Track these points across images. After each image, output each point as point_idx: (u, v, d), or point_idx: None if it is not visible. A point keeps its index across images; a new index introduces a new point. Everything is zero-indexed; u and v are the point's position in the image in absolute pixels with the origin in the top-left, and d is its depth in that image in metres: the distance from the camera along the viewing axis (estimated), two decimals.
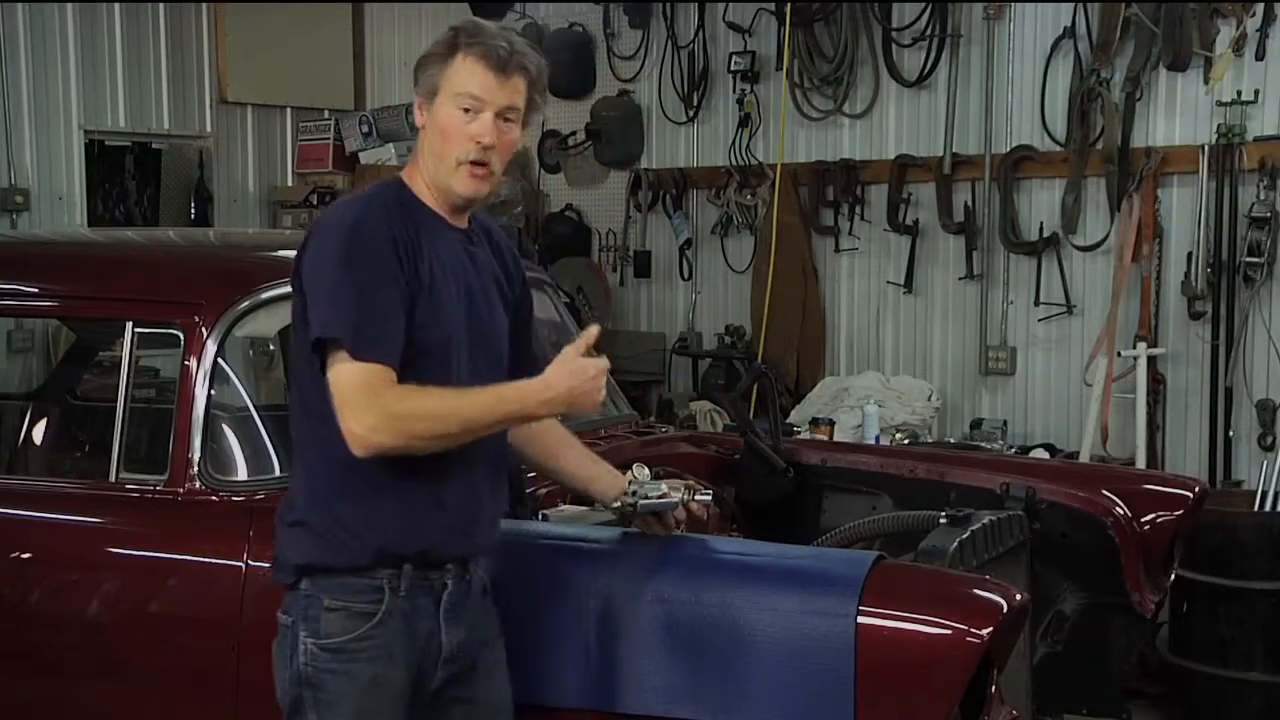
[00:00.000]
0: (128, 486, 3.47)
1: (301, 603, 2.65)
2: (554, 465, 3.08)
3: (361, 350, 2.52)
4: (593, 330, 2.63)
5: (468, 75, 2.63)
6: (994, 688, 2.95)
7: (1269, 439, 6.26)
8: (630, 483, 2.97)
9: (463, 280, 2.73)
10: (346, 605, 2.62)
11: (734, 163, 7.99)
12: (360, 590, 2.62)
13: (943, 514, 3.45)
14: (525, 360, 2.89)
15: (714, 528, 4.07)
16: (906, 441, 6.48)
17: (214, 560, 3.33)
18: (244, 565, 3.24)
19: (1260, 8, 6.24)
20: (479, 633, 2.79)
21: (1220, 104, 6.35)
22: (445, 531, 2.69)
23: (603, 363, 2.61)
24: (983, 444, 6.59)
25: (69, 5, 8.20)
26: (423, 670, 2.70)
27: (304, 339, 2.63)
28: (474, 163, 2.65)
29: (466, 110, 2.64)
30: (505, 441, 2.85)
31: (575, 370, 2.58)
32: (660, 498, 2.96)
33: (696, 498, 2.99)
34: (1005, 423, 6.97)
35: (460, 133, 2.65)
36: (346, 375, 2.52)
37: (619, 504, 2.97)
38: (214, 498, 3.38)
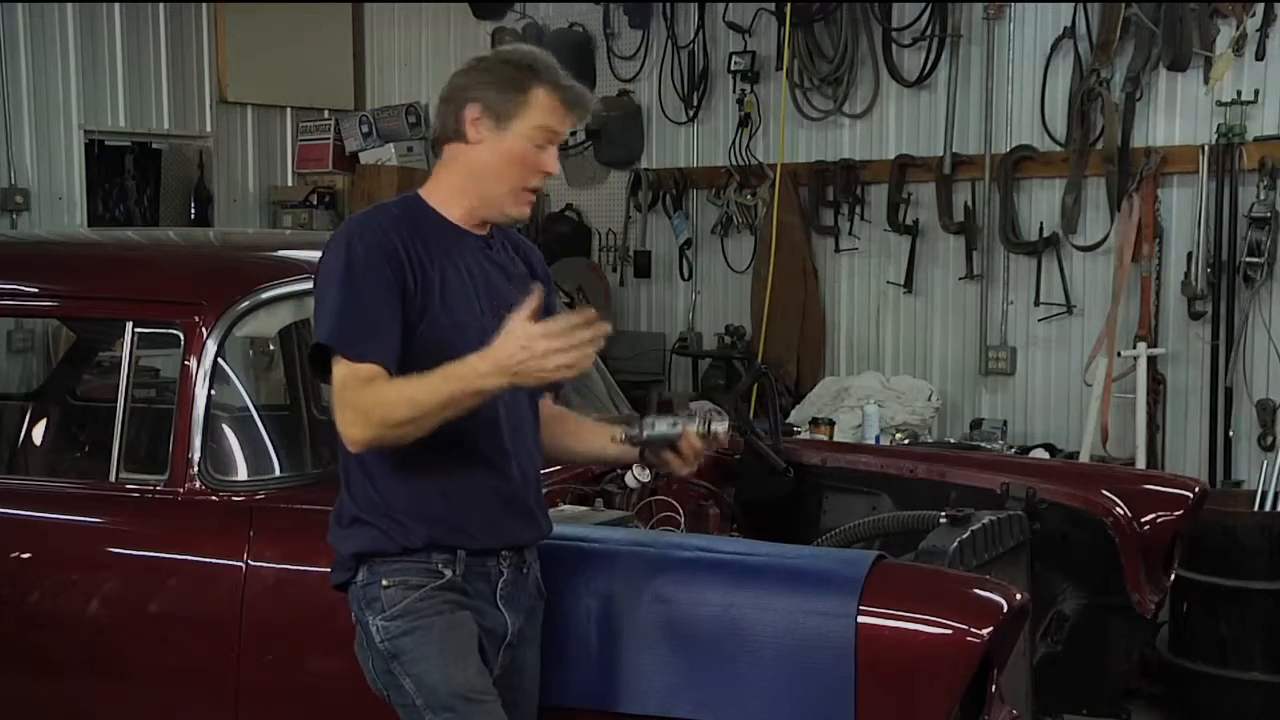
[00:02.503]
0: (128, 486, 3.47)
1: (360, 593, 2.74)
2: (568, 444, 3.08)
3: (349, 352, 2.61)
4: (538, 293, 2.56)
5: (549, 111, 2.73)
6: (994, 688, 2.95)
7: (1269, 439, 6.26)
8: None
9: (484, 285, 2.79)
10: (405, 579, 2.70)
11: (734, 163, 7.98)
12: (415, 570, 2.71)
13: (943, 514, 3.46)
14: None
15: (714, 528, 4.07)
16: (906, 441, 6.48)
17: (214, 560, 3.33)
18: (244, 565, 3.24)
19: (1260, 8, 6.24)
20: (530, 629, 2.85)
21: (1220, 104, 6.35)
22: (497, 519, 2.76)
23: (544, 326, 2.48)
24: (983, 444, 6.59)
25: (69, 5, 8.19)
26: (484, 650, 2.75)
27: None
28: (535, 189, 2.78)
29: (539, 145, 2.73)
30: (539, 433, 2.91)
31: (514, 333, 2.49)
32: (670, 428, 2.83)
33: (713, 427, 2.84)
34: (1005, 423, 6.96)
35: (531, 163, 2.74)
36: (337, 378, 2.62)
37: (622, 434, 2.88)
38: (214, 498, 3.38)
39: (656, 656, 2.83)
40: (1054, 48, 6.84)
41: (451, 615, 2.71)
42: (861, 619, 2.71)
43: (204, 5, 8.93)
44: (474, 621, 2.74)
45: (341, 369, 2.61)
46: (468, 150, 2.76)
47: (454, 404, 2.55)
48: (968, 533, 3.29)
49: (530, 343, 2.47)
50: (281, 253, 4.12)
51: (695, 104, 8.20)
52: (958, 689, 2.71)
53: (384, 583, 2.70)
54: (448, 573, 2.72)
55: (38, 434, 4.66)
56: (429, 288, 2.69)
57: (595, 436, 3.04)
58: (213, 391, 3.43)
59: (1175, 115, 6.55)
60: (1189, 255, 6.45)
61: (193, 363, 3.43)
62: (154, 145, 8.96)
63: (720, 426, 2.86)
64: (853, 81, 7.52)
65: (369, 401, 2.58)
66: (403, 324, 2.65)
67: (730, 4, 7.96)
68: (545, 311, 2.91)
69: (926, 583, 2.93)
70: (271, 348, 4.43)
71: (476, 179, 2.76)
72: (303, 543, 3.27)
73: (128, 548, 3.52)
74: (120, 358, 3.57)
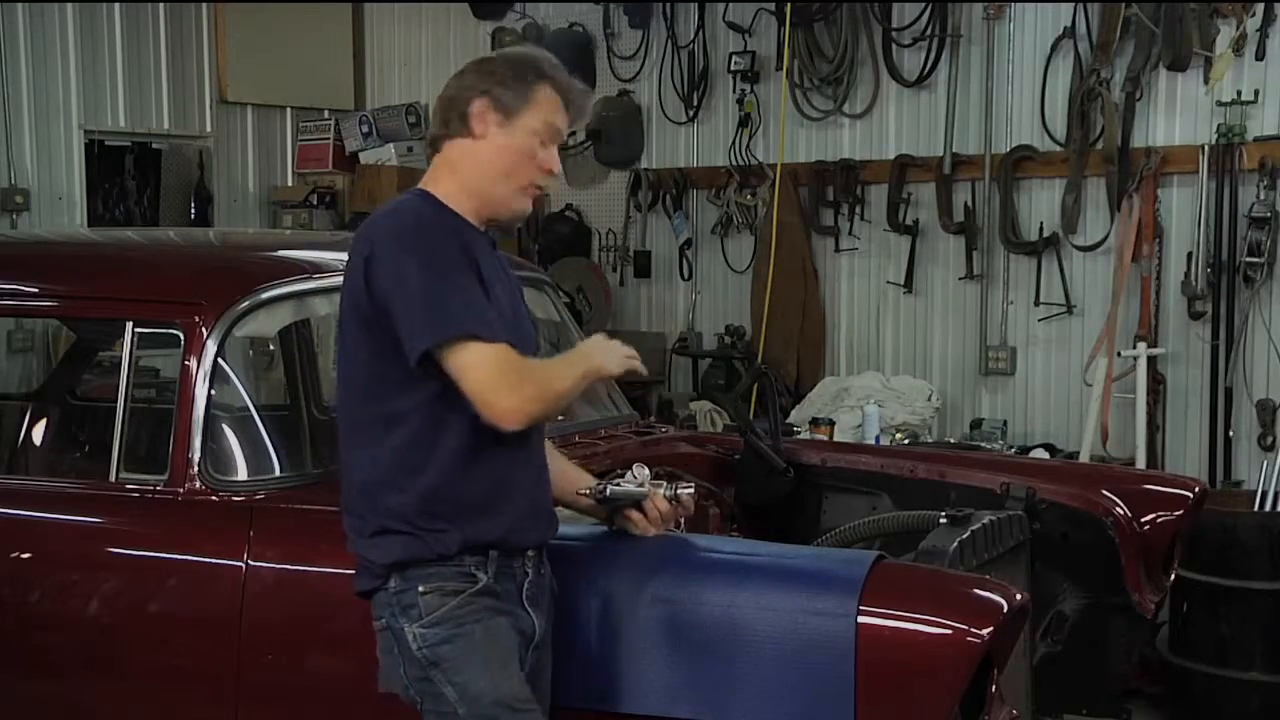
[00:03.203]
0: (128, 486, 3.47)
1: (392, 600, 2.71)
2: None
3: (491, 334, 2.62)
4: None
5: (553, 108, 2.77)
6: (994, 688, 2.95)
7: (1269, 439, 6.26)
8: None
9: (502, 280, 2.83)
10: (440, 585, 2.69)
11: (734, 163, 7.98)
12: (451, 576, 2.70)
13: (943, 514, 3.46)
14: None
15: (714, 528, 4.07)
16: (906, 441, 6.48)
17: (214, 560, 3.33)
18: (244, 565, 3.24)
19: (1260, 8, 6.24)
20: (548, 629, 2.86)
21: (1220, 104, 6.35)
22: (522, 517, 2.77)
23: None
24: (983, 444, 6.59)
25: (69, 5, 8.20)
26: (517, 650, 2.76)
27: (373, 354, 2.69)
28: (540, 187, 2.81)
29: (542, 142, 2.76)
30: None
31: (616, 344, 2.87)
32: (636, 488, 2.95)
33: (679, 491, 2.97)
34: (1005, 423, 6.96)
35: (534, 160, 2.77)
36: (482, 360, 2.61)
37: (588, 490, 2.98)
38: (214, 498, 3.38)
39: (656, 656, 2.83)
40: (1054, 48, 6.84)
41: (490, 622, 2.70)
42: (861, 619, 2.71)
43: (204, 5, 8.94)
44: (511, 627, 2.74)
45: (490, 352, 2.60)
46: (473, 146, 2.76)
47: (589, 380, 2.82)
48: (968, 533, 3.29)
49: (623, 352, 2.84)
50: (281, 253, 4.12)
51: (695, 104, 8.20)
52: (958, 689, 2.71)
53: (420, 589, 2.69)
54: (481, 576, 2.71)
55: (38, 434, 4.66)
56: (482, 277, 2.72)
57: (567, 480, 3.05)
58: (213, 391, 3.43)
59: (1175, 115, 6.55)
60: (1189, 255, 6.45)
61: (193, 363, 3.43)
62: (154, 145, 8.97)
63: (686, 492, 2.98)
64: (853, 81, 7.52)
65: (541, 378, 2.68)
66: None
67: (730, 4, 7.96)
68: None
69: (926, 583, 2.93)
70: (271, 348, 4.43)
71: (481, 176, 2.77)
72: (303, 543, 3.28)
73: (128, 548, 3.52)
74: (120, 358, 3.57)
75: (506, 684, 2.68)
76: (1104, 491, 4.02)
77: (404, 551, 2.69)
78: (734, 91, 8.00)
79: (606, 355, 2.81)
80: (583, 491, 3.00)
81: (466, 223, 2.78)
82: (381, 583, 2.73)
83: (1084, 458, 6.30)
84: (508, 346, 2.62)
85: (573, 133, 8.45)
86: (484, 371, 2.60)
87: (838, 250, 7.72)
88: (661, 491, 2.96)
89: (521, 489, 2.78)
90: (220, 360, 3.46)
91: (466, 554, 2.70)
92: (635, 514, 2.99)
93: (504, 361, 2.61)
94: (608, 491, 2.96)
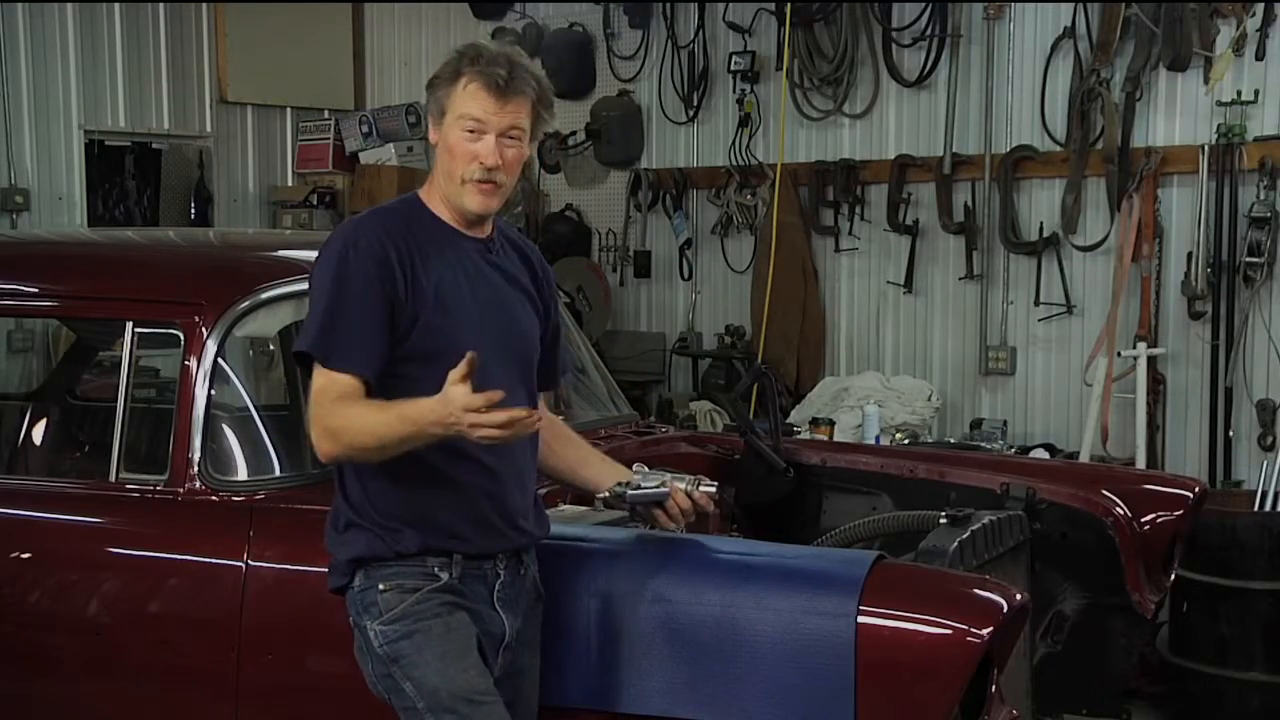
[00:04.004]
0: (128, 486, 3.47)
1: (358, 598, 2.75)
2: (564, 469, 3.11)
3: (330, 362, 2.65)
4: (470, 357, 2.49)
5: (470, 100, 2.73)
6: (994, 688, 2.95)
7: (1269, 439, 6.26)
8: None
9: (480, 287, 2.80)
10: (400, 583, 2.71)
11: (734, 163, 7.98)
12: (411, 574, 2.72)
13: (943, 514, 3.46)
14: (546, 375, 3.00)
15: (714, 528, 4.07)
16: (906, 441, 6.48)
17: (214, 560, 3.33)
18: (244, 565, 3.25)
19: (1260, 8, 6.24)
20: (528, 631, 2.86)
21: (1220, 104, 6.35)
22: (489, 523, 2.77)
23: (469, 399, 2.46)
24: (983, 444, 6.59)
25: (69, 5, 8.21)
26: (482, 652, 2.75)
27: None
28: (480, 180, 2.74)
29: (471, 132, 2.73)
30: (537, 434, 2.92)
31: (449, 400, 2.50)
32: (656, 488, 2.96)
33: (701, 488, 2.99)
34: (1005, 423, 6.96)
35: (466, 153, 2.74)
36: (316, 385, 2.67)
37: (607, 493, 3.01)
38: (214, 498, 3.39)
39: (656, 656, 2.84)
40: (1054, 48, 6.85)
41: (449, 617, 2.71)
42: (861, 619, 2.72)
43: (204, 5, 8.94)
44: (472, 623, 2.74)
45: (320, 379, 2.65)
46: (435, 150, 2.83)
47: (412, 441, 2.59)
48: (968, 533, 3.29)
49: (459, 416, 2.48)
50: (281, 253, 4.13)
51: (695, 104, 8.20)
52: (958, 689, 2.71)
53: (380, 587, 2.71)
54: (444, 576, 2.73)
55: (38, 434, 4.66)
56: (421, 294, 2.70)
57: (591, 476, 3.08)
58: (213, 391, 3.43)
59: (1175, 115, 6.55)
60: (1189, 255, 6.45)
61: (193, 363, 3.44)
62: (154, 145, 8.96)
63: (707, 490, 2.99)
64: (853, 81, 7.53)
65: (338, 424, 2.62)
66: (392, 334, 2.67)
67: (730, 4, 7.96)
68: (545, 313, 2.94)
69: (926, 583, 2.93)
70: (271, 348, 4.43)
71: (439, 177, 2.81)
72: (303, 543, 3.27)
73: (128, 548, 3.52)
74: (120, 358, 3.57)
75: (462, 676, 2.69)
76: (1104, 491, 4.02)
77: (366, 548, 2.72)
78: (734, 91, 8.00)
79: (430, 425, 2.52)
80: (602, 495, 3.03)
81: (437, 223, 2.80)
82: (348, 580, 2.77)
83: (1084, 458, 6.30)
84: (345, 380, 2.63)
85: (572, 132, 8.55)
86: (311, 399, 2.66)
87: (838, 250, 7.72)
88: (683, 487, 2.97)
89: (492, 496, 2.77)
90: (220, 360, 3.47)
91: (429, 555, 2.72)
92: (658, 511, 2.98)
93: (324, 395, 2.64)
94: (626, 497, 2.98)
